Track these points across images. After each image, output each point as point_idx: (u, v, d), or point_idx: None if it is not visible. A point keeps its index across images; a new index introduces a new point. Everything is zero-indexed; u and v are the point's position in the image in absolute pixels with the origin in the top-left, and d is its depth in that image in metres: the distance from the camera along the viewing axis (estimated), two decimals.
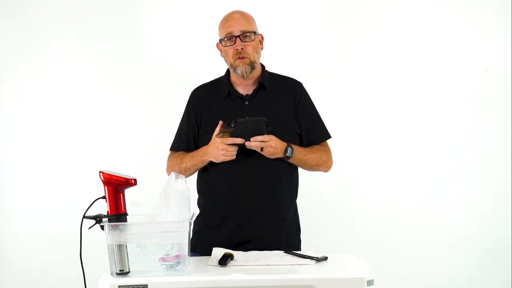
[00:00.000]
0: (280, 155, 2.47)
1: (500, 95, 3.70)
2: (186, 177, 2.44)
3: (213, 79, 2.70)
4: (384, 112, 3.73)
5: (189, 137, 2.61)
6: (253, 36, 2.53)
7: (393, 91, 3.72)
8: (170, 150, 2.67)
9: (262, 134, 2.39)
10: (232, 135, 2.40)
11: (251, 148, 2.41)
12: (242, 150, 2.44)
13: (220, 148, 2.41)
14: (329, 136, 2.66)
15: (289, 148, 2.47)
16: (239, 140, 2.39)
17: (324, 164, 2.63)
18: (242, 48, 2.50)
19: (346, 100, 3.73)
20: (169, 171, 2.61)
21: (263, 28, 2.65)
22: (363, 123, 3.73)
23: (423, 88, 3.72)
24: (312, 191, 3.60)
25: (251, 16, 2.58)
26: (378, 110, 3.73)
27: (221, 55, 2.60)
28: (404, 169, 3.74)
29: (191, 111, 2.63)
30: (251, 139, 2.39)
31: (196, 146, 2.59)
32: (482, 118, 3.72)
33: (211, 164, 2.52)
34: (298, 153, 2.52)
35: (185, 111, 2.66)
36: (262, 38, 2.61)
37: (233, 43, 2.51)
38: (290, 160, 2.52)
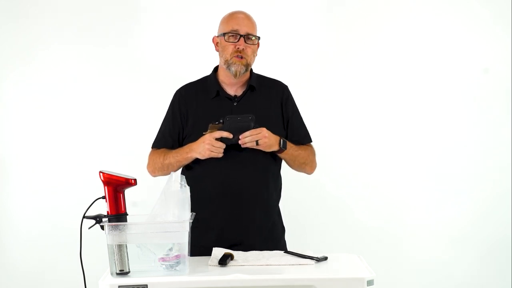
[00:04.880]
0: (276, 147, 2.46)
1: (500, 95, 3.71)
2: (167, 173, 2.46)
3: (198, 78, 2.68)
4: (385, 111, 3.73)
5: (173, 136, 2.59)
6: (256, 41, 2.55)
7: (394, 90, 3.72)
8: (153, 147, 2.65)
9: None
10: (221, 130, 2.40)
11: (245, 145, 2.40)
12: (230, 149, 2.42)
13: (206, 143, 2.39)
14: (310, 140, 2.67)
15: (282, 140, 2.48)
16: (226, 134, 2.38)
17: (310, 164, 2.63)
18: (243, 49, 2.50)
19: (346, 99, 3.73)
20: (150, 167, 2.61)
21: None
22: (363, 122, 3.73)
23: (423, 88, 3.72)
24: (312, 191, 3.62)
25: (255, 21, 2.59)
26: (378, 109, 3.73)
27: (216, 49, 2.60)
28: (404, 169, 3.74)
29: (176, 110, 2.61)
30: (241, 136, 2.38)
31: (181, 146, 2.57)
32: (482, 118, 3.72)
33: (196, 162, 2.50)
34: (290, 148, 2.52)
35: (170, 110, 2.64)
36: (259, 45, 2.61)
37: (236, 40, 2.51)
38: (282, 155, 2.52)
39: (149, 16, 3.71)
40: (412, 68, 3.72)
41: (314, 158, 2.66)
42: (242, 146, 2.41)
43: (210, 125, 2.42)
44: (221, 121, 2.41)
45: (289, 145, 2.52)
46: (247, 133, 2.39)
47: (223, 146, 2.40)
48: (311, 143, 2.68)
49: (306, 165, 2.62)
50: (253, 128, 2.40)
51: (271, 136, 2.45)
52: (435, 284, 3.73)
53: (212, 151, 2.40)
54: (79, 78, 3.69)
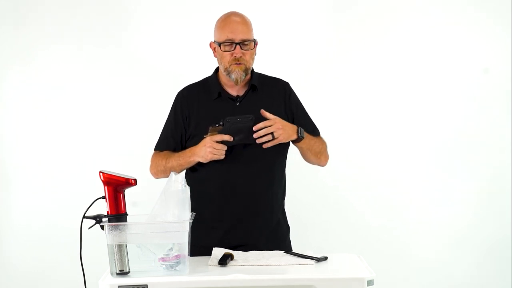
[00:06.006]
0: (294, 136, 2.45)
1: (500, 95, 3.71)
2: None
3: (199, 80, 2.67)
4: (386, 111, 3.73)
5: (176, 138, 2.58)
6: (252, 45, 2.51)
7: (395, 90, 3.73)
8: (155, 150, 2.64)
9: (250, 131, 2.37)
10: (221, 133, 2.38)
11: (260, 142, 2.38)
12: (233, 149, 2.41)
13: (208, 146, 2.38)
14: (319, 133, 2.65)
15: (299, 128, 2.46)
16: (227, 137, 2.37)
17: (324, 153, 2.62)
18: (240, 56, 2.48)
19: (347, 99, 3.74)
20: (153, 169, 2.60)
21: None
22: (364, 122, 3.73)
23: (424, 88, 3.72)
24: (314, 191, 3.62)
25: (250, 21, 2.54)
26: (379, 109, 3.73)
27: (214, 55, 2.57)
28: (404, 169, 3.74)
29: (178, 112, 2.59)
30: (254, 127, 2.36)
31: (183, 148, 2.56)
32: (482, 118, 3.72)
33: (200, 164, 2.49)
34: (307, 136, 2.50)
35: (172, 112, 2.63)
36: (256, 43, 2.57)
37: (233, 49, 2.48)
38: (299, 144, 2.50)
39: (149, 16, 3.71)
40: (412, 68, 3.72)
41: (326, 148, 2.64)
42: (258, 142, 2.38)
43: (210, 128, 2.41)
44: (221, 123, 2.40)
45: (305, 133, 2.50)
46: (260, 125, 2.36)
47: (225, 147, 2.39)
48: (320, 136, 2.66)
49: (322, 155, 2.60)
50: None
51: (286, 126, 2.42)
52: (435, 284, 3.73)
53: (214, 154, 2.39)
54: (79, 78, 3.69)
